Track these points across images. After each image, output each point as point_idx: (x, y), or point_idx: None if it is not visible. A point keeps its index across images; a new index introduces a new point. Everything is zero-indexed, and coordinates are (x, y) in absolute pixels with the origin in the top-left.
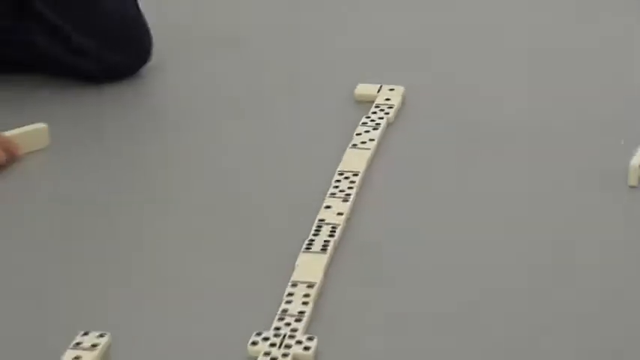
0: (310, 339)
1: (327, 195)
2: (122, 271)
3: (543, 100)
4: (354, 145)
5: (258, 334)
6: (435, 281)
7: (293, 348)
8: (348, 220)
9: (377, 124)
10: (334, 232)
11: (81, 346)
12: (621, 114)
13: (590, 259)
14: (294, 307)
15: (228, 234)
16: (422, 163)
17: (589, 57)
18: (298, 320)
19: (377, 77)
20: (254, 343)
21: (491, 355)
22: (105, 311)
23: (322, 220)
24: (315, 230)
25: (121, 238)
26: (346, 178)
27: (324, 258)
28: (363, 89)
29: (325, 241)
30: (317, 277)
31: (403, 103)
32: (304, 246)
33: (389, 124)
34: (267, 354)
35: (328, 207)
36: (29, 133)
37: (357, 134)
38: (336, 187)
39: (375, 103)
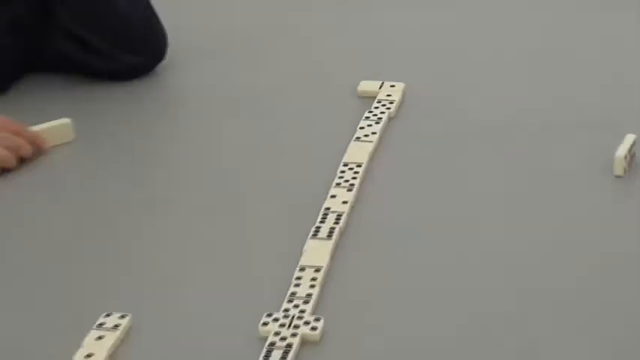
0: (317, 319)
1: (333, 185)
2: (141, 256)
3: (543, 98)
4: (358, 138)
5: (269, 315)
6: (434, 267)
7: (301, 328)
8: (352, 208)
9: (379, 118)
10: (339, 219)
11: (104, 326)
12: (621, 114)
13: (593, 261)
14: (303, 290)
15: (240, 222)
16: (421, 154)
17: (589, 56)
18: (306, 302)
19: (379, 75)
20: (265, 324)
21: (495, 338)
22: (130, 282)
23: (328, 209)
24: (322, 218)
25: (132, 224)
26: (350, 169)
27: (330, 244)
28: (366, 86)
29: (331, 228)
30: (324, 262)
31: (403, 99)
32: (311, 233)
33: (390, 119)
34: (277, 334)
35: (333, 196)
36: (55, 127)
37: (360, 128)
38: (341, 177)
39: (377, 98)
